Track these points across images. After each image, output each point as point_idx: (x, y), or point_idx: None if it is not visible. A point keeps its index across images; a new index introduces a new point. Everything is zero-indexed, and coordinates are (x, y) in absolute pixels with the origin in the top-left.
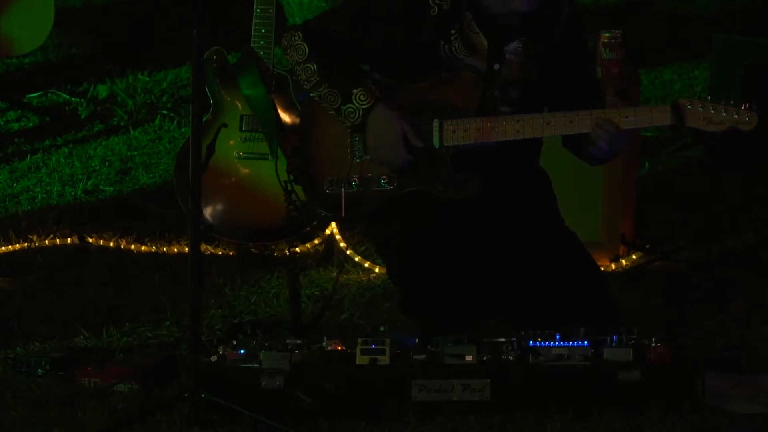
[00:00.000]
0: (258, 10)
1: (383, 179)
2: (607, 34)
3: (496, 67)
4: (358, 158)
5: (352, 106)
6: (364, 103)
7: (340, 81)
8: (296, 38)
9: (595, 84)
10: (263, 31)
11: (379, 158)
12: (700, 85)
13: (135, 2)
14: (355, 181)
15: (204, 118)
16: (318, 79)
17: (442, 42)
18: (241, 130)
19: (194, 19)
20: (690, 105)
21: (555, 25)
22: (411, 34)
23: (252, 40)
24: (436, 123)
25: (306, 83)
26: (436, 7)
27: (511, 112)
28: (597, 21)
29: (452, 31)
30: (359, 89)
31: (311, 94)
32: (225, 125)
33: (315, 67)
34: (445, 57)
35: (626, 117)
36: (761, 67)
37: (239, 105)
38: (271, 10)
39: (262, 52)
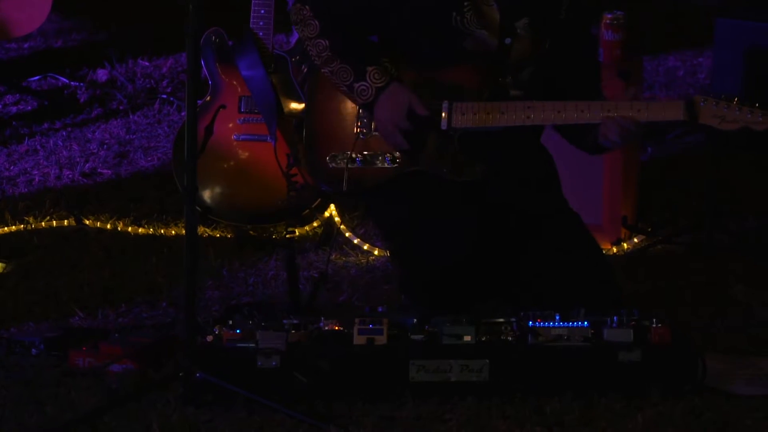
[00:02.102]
0: None
1: (388, 157)
2: (610, 16)
3: (507, 41)
4: (363, 134)
5: (365, 83)
6: (379, 81)
7: (354, 57)
8: (305, 13)
9: (595, 65)
10: (262, 12)
11: (380, 125)
12: (704, 72)
13: None
14: (359, 157)
15: (202, 100)
16: (330, 54)
17: (454, 13)
18: (239, 111)
19: None
20: (704, 102)
21: (560, 3)
22: (422, 4)
23: (251, 21)
24: (445, 104)
25: (317, 58)
26: None
27: (522, 95)
28: (602, 7)
29: (465, 2)
30: (374, 67)
31: (322, 70)
32: (224, 106)
33: (327, 42)
34: (456, 28)
35: (638, 111)
36: (763, 51)
37: (238, 86)
38: None
39: (261, 33)
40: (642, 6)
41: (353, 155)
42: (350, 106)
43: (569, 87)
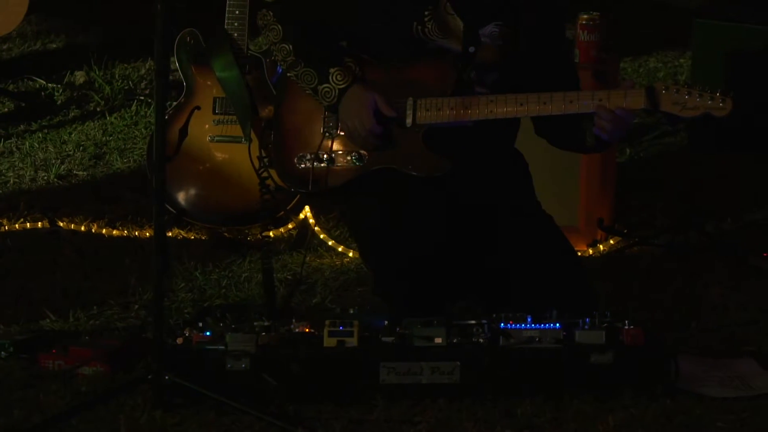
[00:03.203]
0: None
1: (354, 156)
2: (585, 16)
3: (471, 50)
4: (330, 134)
5: (328, 86)
6: (341, 83)
7: (317, 60)
8: (269, 18)
9: (572, 68)
10: (237, 12)
11: (349, 130)
12: (685, 73)
13: None
14: (325, 157)
15: (177, 101)
16: (294, 58)
17: (415, 23)
18: (214, 112)
19: None
20: (665, 90)
21: (532, 7)
22: (383, 14)
23: (226, 22)
24: (410, 101)
25: (283, 63)
26: None
27: (487, 93)
28: (582, 8)
29: (426, 13)
30: (336, 69)
31: (288, 74)
32: (198, 108)
33: (290, 47)
34: (417, 38)
35: (600, 100)
36: (742, 52)
37: (213, 87)
38: None
39: (236, 34)
40: (622, 6)
41: (320, 155)
42: (316, 107)
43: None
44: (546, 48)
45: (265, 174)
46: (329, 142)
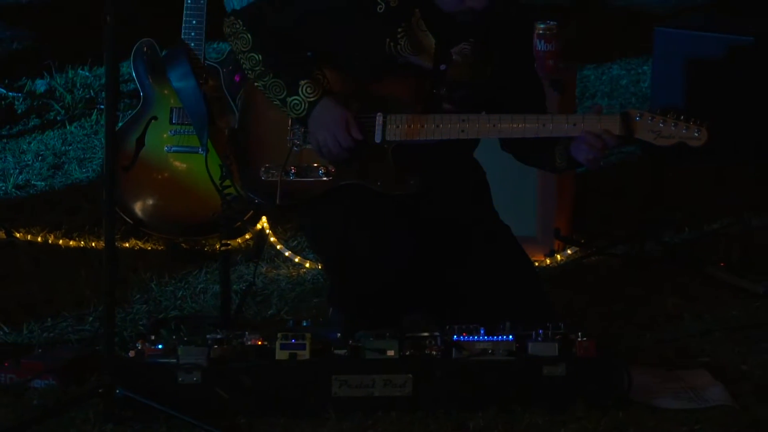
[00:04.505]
0: (189, 1)
1: (321, 170)
2: (542, 26)
3: (442, 67)
4: (297, 147)
5: (298, 98)
6: (311, 95)
7: (286, 72)
8: (238, 26)
9: (539, 86)
10: (194, 22)
11: (318, 144)
12: (647, 80)
13: None
14: (292, 170)
15: (134, 111)
16: (263, 69)
17: (387, 39)
18: (171, 123)
19: (107, 5)
20: (639, 116)
21: (503, 25)
22: (355, 29)
23: (183, 31)
24: (379, 117)
25: (250, 72)
26: (384, 4)
27: (455, 110)
28: (546, 17)
29: (399, 29)
30: (306, 81)
31: (256, 84)
32: (155, 118)
33: (260, 57)
34: (389, 54)
35: (574, 124)
36: (702, 61)
37: (170, 97)
38: (202, 1)
39: (193, 44)
40: (585, 13)
41: (286, 168)
42: (283, 118)
43: (514, 108)
44: (516, 65)
45: (227, 183)
46: (296, 155)
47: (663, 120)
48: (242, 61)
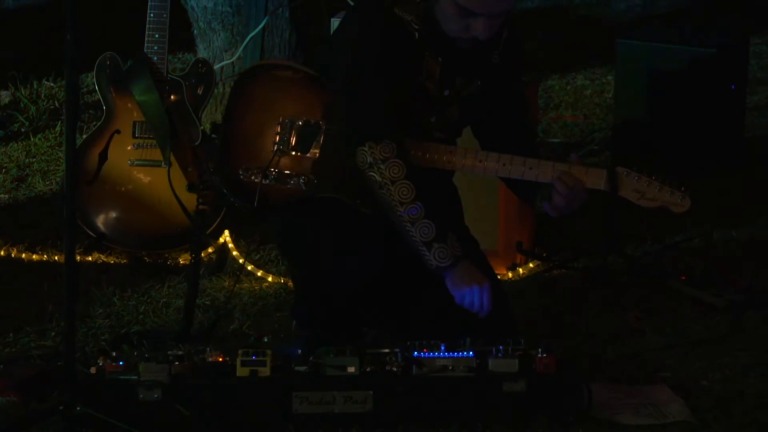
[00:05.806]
0: (151, 15)
1: (302, 179)
2: None
3: (446, 93)
4: (281, 151)
5: (445, 247)
6: (457, 249)
7: (438, 215)
8: (389, 152)
9: (526, 111)
10: (157, 36)
11: (462, 299)
12: (611, 90)
13: (42, 8)
14: (272, 174)
15: (97, 124)
16: (415, 204)
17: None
18: (134, 136)
19: (68, 25)
20: (626, 174)
21: (495, 48)
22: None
23: (145, 45)
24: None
25: (398, 206)
26: (416, 33)
27: (444, 137)
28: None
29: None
30: (452, 231)
31: (398, 223)
32: (118, 131)
33: (414, 189)
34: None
35: (560, 174)
36: (665, 72)
37: (133, 111)
38: (165, 15)
39: (155, 58)
40: (549, 24)
41: (267, 170)
42: (271, 121)
43: (499, 132)
44: (504, 87)
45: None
46: (279, 160)
47: (648, 181)
48: (389, 191)
